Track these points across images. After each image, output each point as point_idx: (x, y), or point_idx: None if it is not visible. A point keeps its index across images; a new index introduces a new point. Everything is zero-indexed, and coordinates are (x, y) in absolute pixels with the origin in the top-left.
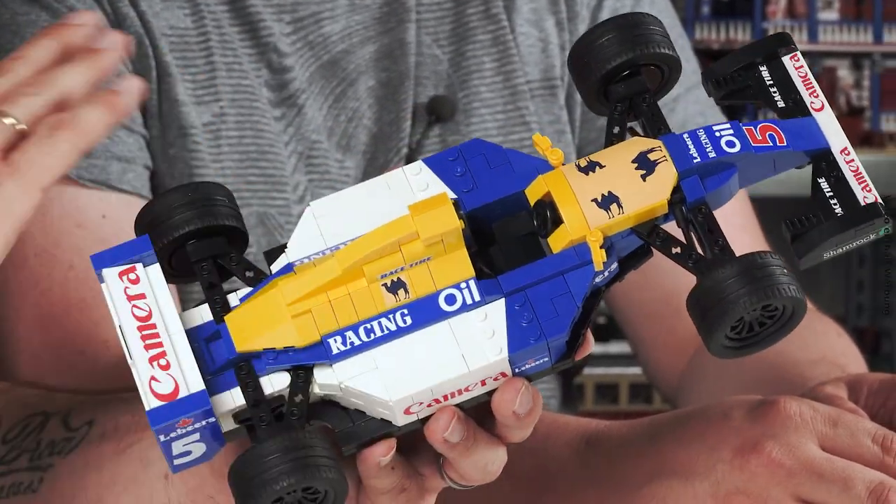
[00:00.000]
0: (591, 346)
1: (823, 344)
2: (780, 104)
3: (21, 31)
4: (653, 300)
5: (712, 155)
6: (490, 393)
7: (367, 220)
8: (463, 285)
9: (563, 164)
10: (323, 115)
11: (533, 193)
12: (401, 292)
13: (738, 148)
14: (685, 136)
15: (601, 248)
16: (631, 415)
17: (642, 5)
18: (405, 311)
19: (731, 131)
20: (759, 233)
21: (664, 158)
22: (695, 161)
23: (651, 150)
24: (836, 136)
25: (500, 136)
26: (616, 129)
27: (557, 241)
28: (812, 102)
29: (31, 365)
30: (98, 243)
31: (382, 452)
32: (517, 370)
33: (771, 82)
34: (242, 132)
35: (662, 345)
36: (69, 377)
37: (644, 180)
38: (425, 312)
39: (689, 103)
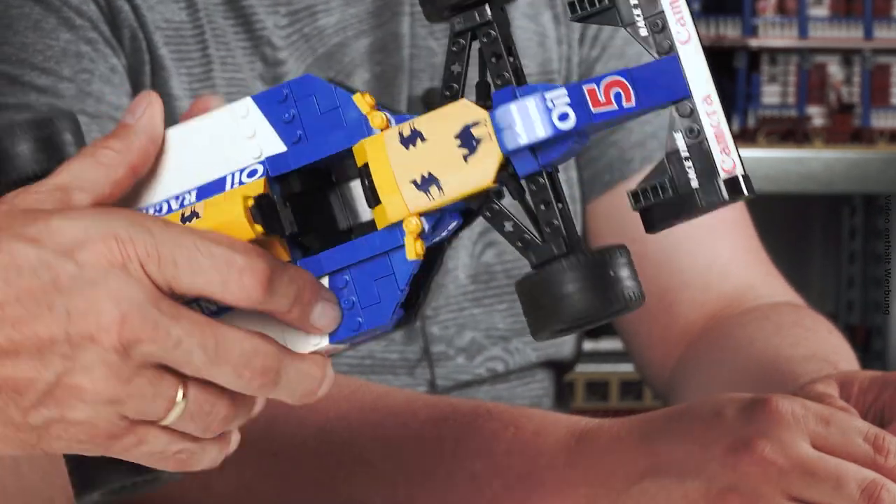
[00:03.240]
0: None
1: (814, 341)
2: (642, 30)
3: (14, 25)
4: (647, 295)
5: (541, 135)
6: None
7: (177, 173)
8: None
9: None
10: None
11: (358, 155)
12: None
13: (571, 122)
14: (513, 107)
15: (419, 236)
16: (621, 412)
17: None
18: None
19: (566, 100)
20: (752, 229)
21: (488, 136)
22: (521, 142)
23: (475, 124)
24: (699, 80)
25: None
26: (456, 69)
27: (380, 219)
28: (678, 32)
29: None
30: None
31: None
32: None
33: (635, 2)
34: None
35: (655, 341)
36: None
37: (466, 161)
38: None
39: None
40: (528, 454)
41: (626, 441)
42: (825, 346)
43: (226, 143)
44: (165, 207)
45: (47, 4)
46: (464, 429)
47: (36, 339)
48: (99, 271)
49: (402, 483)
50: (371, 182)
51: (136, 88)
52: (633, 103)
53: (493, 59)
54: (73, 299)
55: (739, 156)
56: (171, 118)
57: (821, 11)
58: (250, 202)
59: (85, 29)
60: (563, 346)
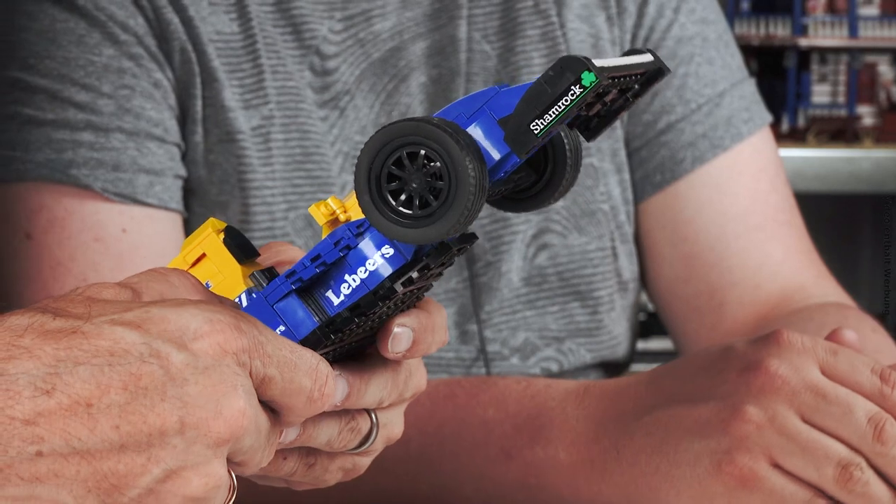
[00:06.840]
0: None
1: None
2: None
3: (58, 39)
4: (696, 294)
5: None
6: None
7: None
8: (237, 301)
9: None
10: (375, 112)
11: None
12: None
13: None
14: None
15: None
16: None
17: (688, 1)
18: None
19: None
20: (803, 229)
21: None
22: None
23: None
24: None
25: None
26: None
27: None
28: None
29: None
30: (114, 258)
31: None
32: None
33: None
34: (289, 134)
35: (704, 340)
36: None
37: None
38: None
39: (735, 99)
40: (538, 399)
41: (634, 385)
42: (868, 344)
43: None
44: None
45: (93, 19)
46: (476, 385)
47: (146, 429)
48: (213, 359)
49: (414, 436)
50: None
51: (186, 101)
52: None
53: None
54: (188, 388)
55: None
56: (224, 129)
57: (871, 11)
58: (222, 235)
59: (129, 44)
60: (618, 346)
